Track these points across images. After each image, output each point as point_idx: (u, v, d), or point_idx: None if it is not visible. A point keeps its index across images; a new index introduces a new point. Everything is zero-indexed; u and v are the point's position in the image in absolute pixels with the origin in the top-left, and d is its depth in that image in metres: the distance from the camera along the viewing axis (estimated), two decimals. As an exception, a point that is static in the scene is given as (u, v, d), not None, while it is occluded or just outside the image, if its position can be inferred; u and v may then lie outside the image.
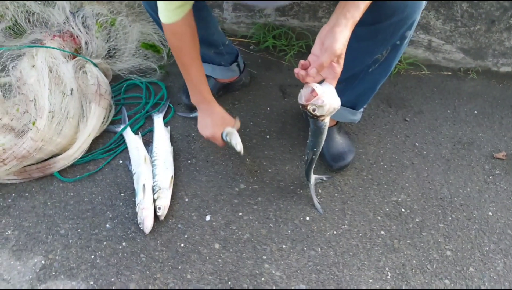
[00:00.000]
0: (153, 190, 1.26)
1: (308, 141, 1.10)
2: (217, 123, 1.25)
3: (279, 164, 1.39)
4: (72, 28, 1.56)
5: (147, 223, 1.18)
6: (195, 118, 1.36)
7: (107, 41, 1.61)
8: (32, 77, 1.32)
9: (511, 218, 1.29)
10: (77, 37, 1.56)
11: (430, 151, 1.47)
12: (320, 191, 1.33)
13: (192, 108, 1.54)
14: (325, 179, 1.35)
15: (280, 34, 1.82)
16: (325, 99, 0.91)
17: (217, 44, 1.37)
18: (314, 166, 1.21)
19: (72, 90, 1.35)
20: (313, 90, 0.90)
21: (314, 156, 1.14)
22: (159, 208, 1.21)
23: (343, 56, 0.87)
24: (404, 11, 0.93)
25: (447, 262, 1.18)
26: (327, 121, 1.00)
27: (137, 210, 1.21)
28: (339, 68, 0.89)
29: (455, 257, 1.20)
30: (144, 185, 1.24)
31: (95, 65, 1.46)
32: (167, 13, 1.03)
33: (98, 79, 1.44)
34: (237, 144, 1.23)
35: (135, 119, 1.50)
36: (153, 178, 1.28)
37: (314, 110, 0.93)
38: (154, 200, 1.23)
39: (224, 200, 1.30)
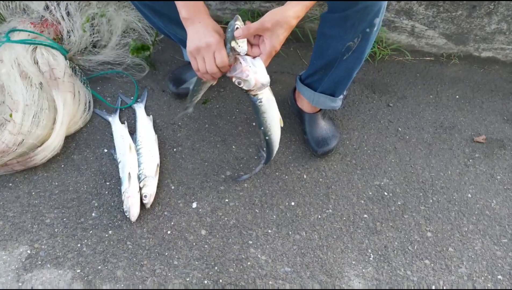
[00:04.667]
0: (139, 178, 1.26)
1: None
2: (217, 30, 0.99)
3: (264, 151, 1.41)
4: (53, 15, 1.52)
5: (133, 211, 1.19)
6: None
7: (92, 34, 1.58)
8: (2, 68, 1.30)
9: (489, 199, 1.33)
10: (59, 23, 1.53)
11: (412, 136, 1.50)
12: (304, 176, 1.35)
13: (179, 96, 1.53)
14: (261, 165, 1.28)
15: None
16: (249, 73, 0.90)
17: None
18: (273, 146, 1.14)
19: (41, 83, 1.33)
20: (240, 63, 0.90)
21: (264, 136, 1.09)
22: (145, 196, 1.22)
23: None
24: None
25: (427, 243, 1.22)
26: (261, 97, 0.98)
27: (123, 198, 1.22)
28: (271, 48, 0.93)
29: (435, 238, 1.23)
30: (129, 173, 1.25)
31: (52, 46, 1.40)
32: None
33: (50, 63, 1.38)
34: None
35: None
36: (139, 166, 1.29)
37: (239, 83, 0.93)
38: (140, 188, 1.24)
39: (210, 187, 1.31)
